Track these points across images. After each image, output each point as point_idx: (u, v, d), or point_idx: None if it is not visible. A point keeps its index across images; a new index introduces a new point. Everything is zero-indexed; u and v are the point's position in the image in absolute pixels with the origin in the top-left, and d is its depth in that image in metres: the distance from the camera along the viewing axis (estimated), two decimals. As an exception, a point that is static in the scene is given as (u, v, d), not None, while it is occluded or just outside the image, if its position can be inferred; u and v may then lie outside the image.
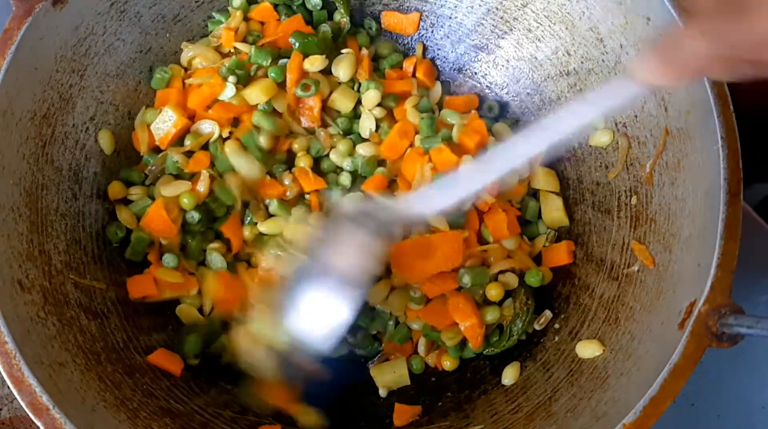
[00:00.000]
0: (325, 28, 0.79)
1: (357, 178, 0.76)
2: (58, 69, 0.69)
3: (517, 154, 0.57)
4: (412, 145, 0.76)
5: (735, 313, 0.52)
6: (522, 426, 0.65)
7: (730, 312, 0.52)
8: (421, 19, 0.84)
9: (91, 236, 0.71)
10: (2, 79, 0.62)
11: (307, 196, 0.75)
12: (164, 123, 0.74)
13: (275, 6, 0.80)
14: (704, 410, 0.78)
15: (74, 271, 0.67)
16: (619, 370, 0.60)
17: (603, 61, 0.71)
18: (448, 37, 0.84)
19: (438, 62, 0.85)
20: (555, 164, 0.78)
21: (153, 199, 0.74)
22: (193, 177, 0.74)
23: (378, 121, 0.78)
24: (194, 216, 0.72)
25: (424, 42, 0.85)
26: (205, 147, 0.75)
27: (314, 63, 0.75)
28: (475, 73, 0.83)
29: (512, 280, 0.73)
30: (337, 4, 0.80)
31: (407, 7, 0.83)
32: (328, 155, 0.78)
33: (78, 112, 0.71)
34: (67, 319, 0.63)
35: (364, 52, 0.80)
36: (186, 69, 0.79)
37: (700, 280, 0.55)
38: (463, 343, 0.72)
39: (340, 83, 0.79)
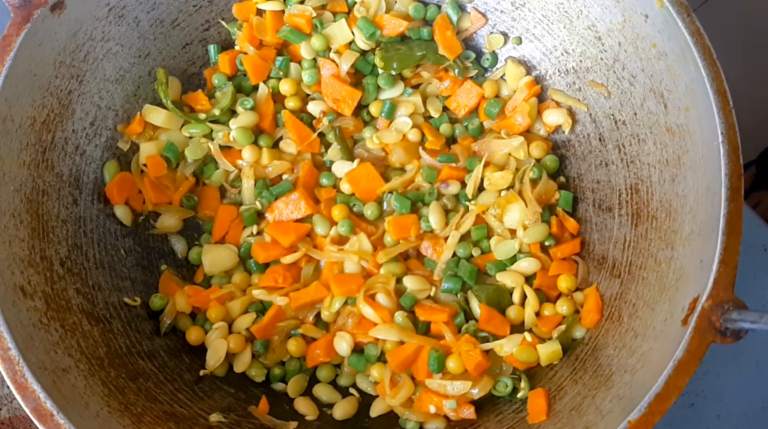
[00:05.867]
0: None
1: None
2: (57, 75, 0.69)
3: None
4: None
5: (738, 308, 0.52)
6: (526, 425, 0.65)
7: (734, 307, 0.52)
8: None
9: (92, 241, 0.71)
10: (1, 86, 0.62)
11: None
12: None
13: None
14: (704, 410, 0.78)
15: (76, 276, 0.67)
16: (623, 368, 0.60)
17: (601, 59, 0.72)
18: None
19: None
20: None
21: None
22: None
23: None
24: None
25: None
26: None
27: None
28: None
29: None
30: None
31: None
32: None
33: (78, 117, 0.71)
34: (69, 325, 0.63)
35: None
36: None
37: (702, 276, 0.55)
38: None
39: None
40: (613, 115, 0.72)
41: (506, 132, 0.77)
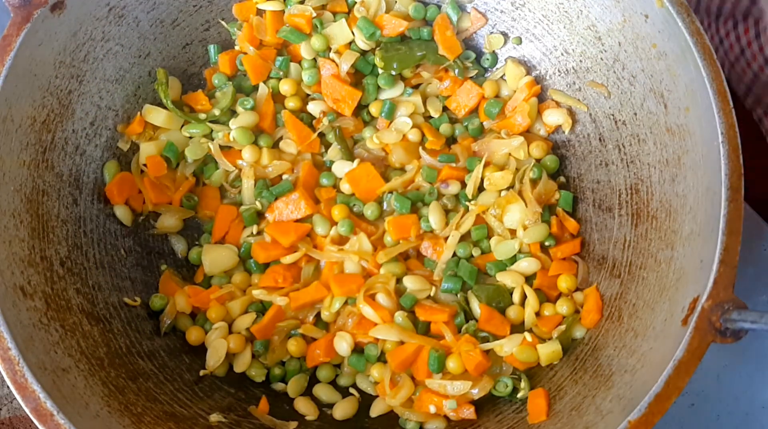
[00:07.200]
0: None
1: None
2: (57, 75, 0.69)
3: None
4: None
5: (738, 308, 0.52)
6: (526, 425, 0.65)
7: (734, 307, 0.52)
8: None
9: (92, 241, 0.71)
10: (1, 86, 0.62)
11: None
12: None
13: None
14: (704, 410, 0.78)
15: (76, 276, 0.67)
16: (623, 368, 0.60)
17: (601, 59, 0.72)
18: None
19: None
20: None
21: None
22: None
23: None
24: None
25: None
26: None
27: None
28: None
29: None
30: None
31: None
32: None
33: (78, 117, 0.71)
34: (69, 325, 0.63)
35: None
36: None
37: (702, 276, 0.55)
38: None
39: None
40: (613, 115, 0.72)
41: (506, 132, 0.77)
